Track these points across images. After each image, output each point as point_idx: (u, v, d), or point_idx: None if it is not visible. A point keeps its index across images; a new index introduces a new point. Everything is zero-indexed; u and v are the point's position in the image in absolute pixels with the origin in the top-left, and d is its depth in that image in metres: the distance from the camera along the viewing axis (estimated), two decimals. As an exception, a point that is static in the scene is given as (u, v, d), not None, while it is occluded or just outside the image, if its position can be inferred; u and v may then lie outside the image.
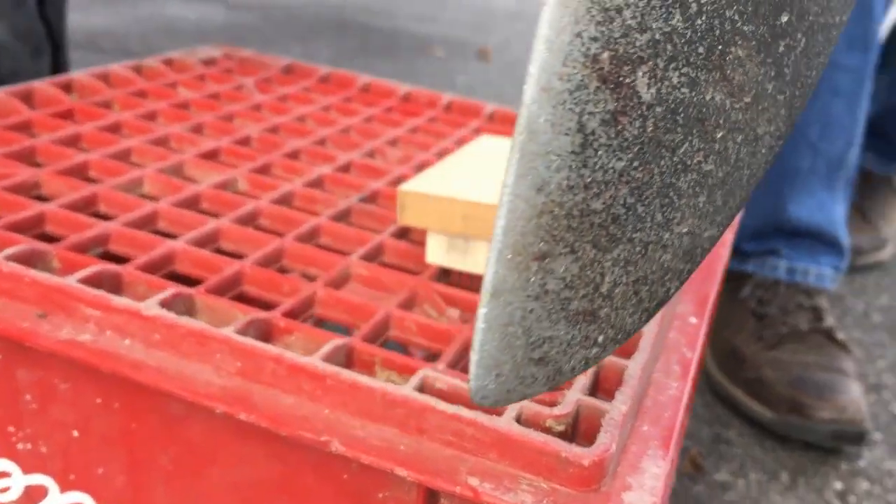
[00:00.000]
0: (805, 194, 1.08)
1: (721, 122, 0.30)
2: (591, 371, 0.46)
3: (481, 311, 0.28)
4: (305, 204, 0.63)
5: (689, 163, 0.30)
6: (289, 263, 0.55)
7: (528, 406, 0.42)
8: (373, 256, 0.56)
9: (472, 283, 0.56)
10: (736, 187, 0.32)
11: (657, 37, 0.27)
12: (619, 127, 0.27)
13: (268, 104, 0.79)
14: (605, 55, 0.26)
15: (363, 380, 0.41)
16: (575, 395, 0.43)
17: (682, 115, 0.29)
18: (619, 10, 0.26)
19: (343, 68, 0.92)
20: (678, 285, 0.32)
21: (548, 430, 0.41)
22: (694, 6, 0.28)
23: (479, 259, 0.54)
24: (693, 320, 0.57)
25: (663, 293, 0.32)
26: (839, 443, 0.91)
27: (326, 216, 0.60)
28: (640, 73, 0.27)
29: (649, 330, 0.51)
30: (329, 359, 0.43)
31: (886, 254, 1.43)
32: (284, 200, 0.62)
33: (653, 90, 0.28)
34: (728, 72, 0.30)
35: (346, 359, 0.45)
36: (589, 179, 0.27)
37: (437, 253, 0.55)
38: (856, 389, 0.93)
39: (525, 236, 0.27)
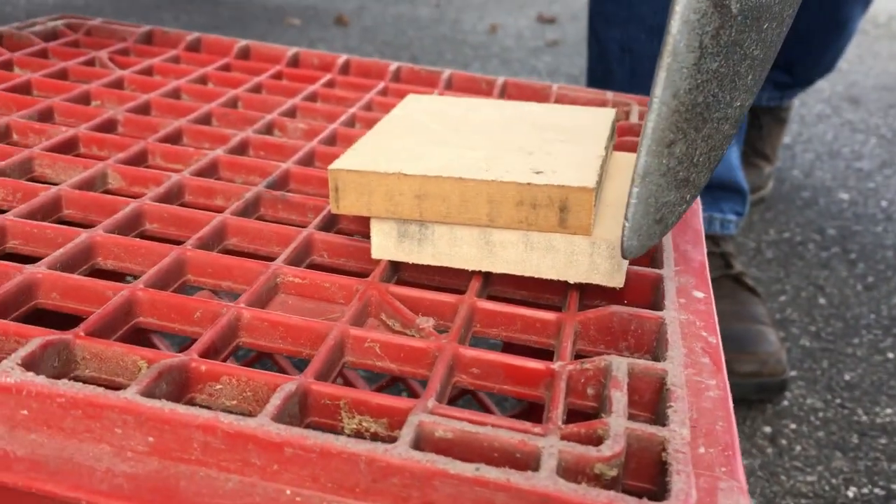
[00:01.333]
0: None
1: (767, 14, 0.37)
2: (624, 383, 0.35)
3: (634, 190, 0.37)
4: (200, 198, 0.49)
5: (747, 52, 0.37)
6: (194, 279, 0.42)
7: (568, 450, 0.30)
8: (301, 259, 0.44)
9: (430, 278, 0.44)
10: (767, 63, 0.39)
11: None
12: (719, 38, 0.35)
13: (131, 79, 0.64)
14: None
15: (337, 442, 0.29)
16: (619, 422, 0.32)
17: (749, 17, 0.36)
18: None
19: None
20: (728, 145, 0.40)
21: (597, 479, 0.30)
22: None
23: (439, 248, 0.42)
24: (699, 294, 0.46)
25: (721, 154, 0.40)
26: (763, 395, 0.92)
27: (230, 211, 0.46)
28: None
29: (668, 316, 0.40)
30: (280, 415, 0.31)
31: (768, 190, 1.46)
32: (172, 196, 0.48)
33: (738, 5, 0.34)
34: None
35: (301, 408, 0.32)
36: (699, 81, 0.35)
37: (386, 245, 0.43)
38: (772, 337, 0.94)
39: (664, 131, 0.36)
